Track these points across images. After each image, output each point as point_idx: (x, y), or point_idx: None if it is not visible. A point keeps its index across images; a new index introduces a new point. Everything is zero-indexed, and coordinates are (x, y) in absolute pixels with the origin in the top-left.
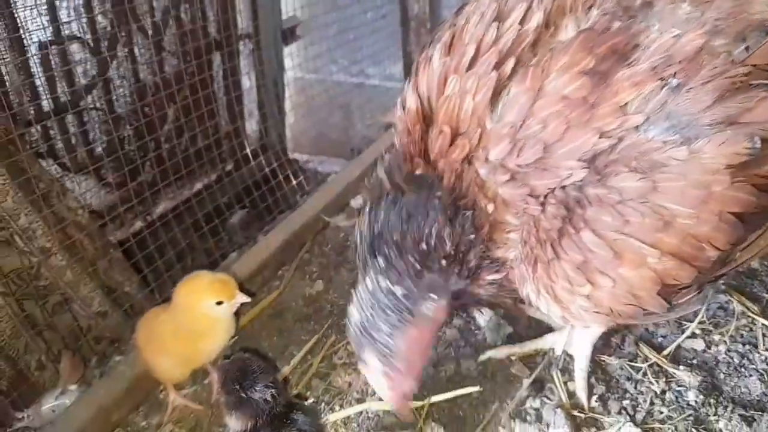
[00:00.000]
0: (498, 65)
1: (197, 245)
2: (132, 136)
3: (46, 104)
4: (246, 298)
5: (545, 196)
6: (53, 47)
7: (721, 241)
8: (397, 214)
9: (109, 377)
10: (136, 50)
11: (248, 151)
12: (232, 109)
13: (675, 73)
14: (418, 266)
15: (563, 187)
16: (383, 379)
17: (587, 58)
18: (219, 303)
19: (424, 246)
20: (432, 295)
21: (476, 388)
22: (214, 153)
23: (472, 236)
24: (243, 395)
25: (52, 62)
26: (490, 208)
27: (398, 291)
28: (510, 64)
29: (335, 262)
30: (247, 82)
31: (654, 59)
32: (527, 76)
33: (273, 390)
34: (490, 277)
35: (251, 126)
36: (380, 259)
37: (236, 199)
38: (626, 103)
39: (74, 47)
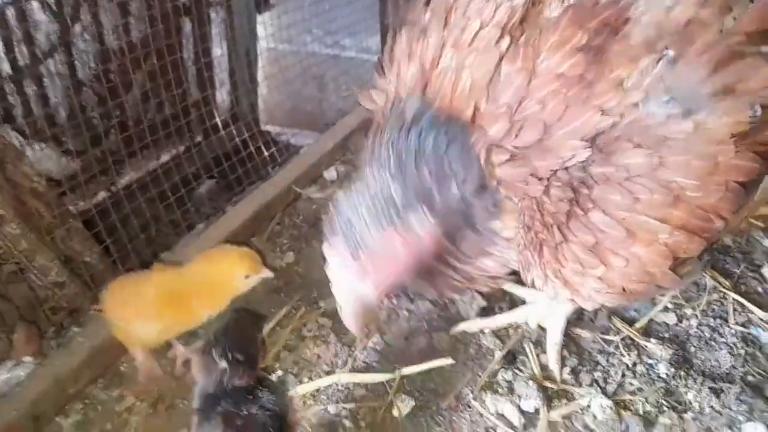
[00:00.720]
0: (498, 41)
1: (162, 216)
2: (95, 103)
3: (4, 67)
4: (270, 274)
5: (548, 179)
6: (11, 7)
7: (727, 210)
8: (435, 138)
9: (66, 348)
10: (101, 13)
11: (218, 121)
12: (201, 78)
13: (667, 45)
14: (429, 179)
15: (566, 169)
16: (342, 271)
17: (579, 33)
18: (247, 276)
19: (449, 170)
20: (426, 208)
21: (449, 361)
22: (182, 122)
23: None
24: (214, 359)
25: (11, 23)
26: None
27: (396, 190)
28: (506, 41)
29: (307, 234)
30: (218, 50)
31: (647, 32)
32: (518, 56)
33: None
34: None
35: (222, 96)
36: (393, 157)
37: (205, 169)
38: (624, 79)
39: (34, 7)
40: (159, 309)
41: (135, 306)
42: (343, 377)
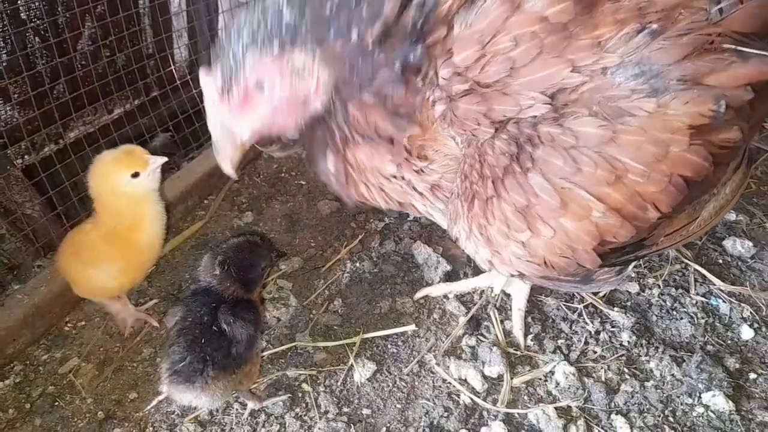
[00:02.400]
0: None
1: None
2: (41, 50)
3: None
4: (163, 159)
5: (497, 127)
6: None
7: (665, 203)
8: None
9: (4, 306)
10: None
11: (176, 77)
12: (158, 33)
13: (653, 20)
14: (333, 20)
15: (518, 122)
16: (215, 104)
17: None
18: (135, 175)
19: (348, 13)
20: (318, 49)
21: (411, 327)
22: (138, 77)
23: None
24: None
25: None
26: (438, 110)
27: (287, 15)
28: None
29: (267, 193)
30: (176, 2)
31: (641, 1)
32: None
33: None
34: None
35: (180, 52)
36: None
37: (160, 124)
38: (604, 40)
39: None
40: (103, 252)
41: (83, 255)
42: (303, 343)
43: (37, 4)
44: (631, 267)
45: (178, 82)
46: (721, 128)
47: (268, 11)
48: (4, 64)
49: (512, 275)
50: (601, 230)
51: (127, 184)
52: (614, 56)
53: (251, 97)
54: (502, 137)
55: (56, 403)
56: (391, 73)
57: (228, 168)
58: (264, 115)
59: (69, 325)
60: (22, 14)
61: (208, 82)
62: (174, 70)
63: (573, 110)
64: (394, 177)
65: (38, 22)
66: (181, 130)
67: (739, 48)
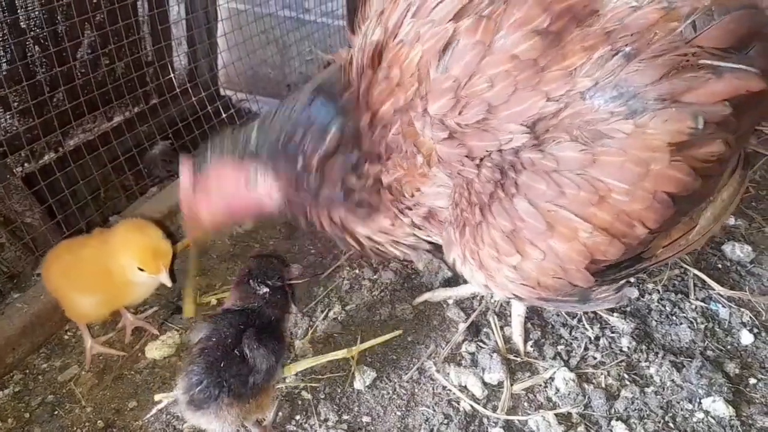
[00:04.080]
0: (457, 17)
1: (112, 178)
2: (41, 59)
3: None
4: (168, 283)
5: (482, 159)
6: None
7: (652, 220)
8: (302, 110)
9: (5, 315)
10: None
11: (176, 85)
12: (158, 41)
13: (626, 42)
14: (283, 152)
15: (501, 151)
16: (187, 183)
17: (542, 15)
18: (141, 269)
19: (299, 138)
20: (271, 172)
21: (398, 332)
22: (137, 85)
23: (351, 178)
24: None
25: None
26: (419, 160)
27: (255, 136)
28: (470, 18)
29: None
30: (176, 8)
31: (609, 26)
32: (478, 29)
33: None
34: (343, 214)
35: (179, 60)
36: (279, 109)
37: (160, 131)
38: (576, 68)
39: None
40: (93, 282)
41: (72, 279)
42: (299, 365)
43: (36, 13)
44: (629, 287)
45: (178, 90)
46: (703, 143)
47: (240, 134)
48: (4, 73)
49: (509, 298)
50: (591, 249)
51: (129, 267)
52: (588, 80)
53: (210, 189)
54: (487, 165)
55: (56, 412)
56: (336, 184)
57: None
58: (218, 207)
59: (68, 333)
60: (22, 23)
61: (185, 169)
62: (173, 78)
63: (554, 136)
64: (393, 226)
65: (38, 31)
66: (180, 138)
67: (715, 63)
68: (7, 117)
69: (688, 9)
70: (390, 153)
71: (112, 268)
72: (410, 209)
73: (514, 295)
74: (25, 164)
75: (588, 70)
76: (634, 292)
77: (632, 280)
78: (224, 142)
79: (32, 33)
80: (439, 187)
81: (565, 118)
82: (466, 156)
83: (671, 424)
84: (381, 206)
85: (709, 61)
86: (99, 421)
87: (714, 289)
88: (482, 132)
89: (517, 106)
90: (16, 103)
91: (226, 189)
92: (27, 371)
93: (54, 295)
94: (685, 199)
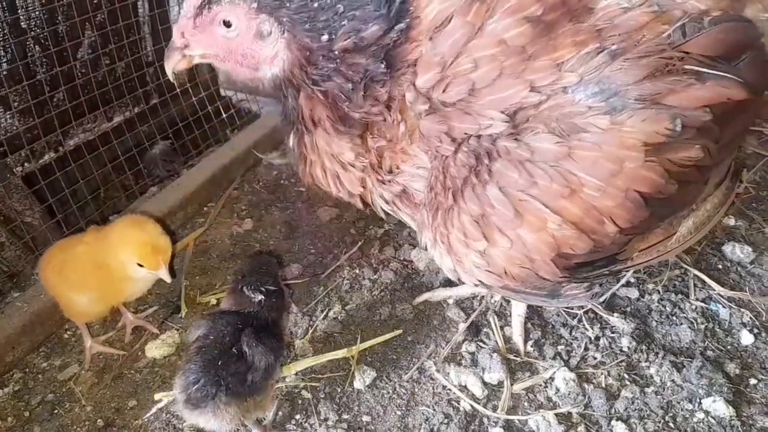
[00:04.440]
0: None
1: (112, 178)
2: (42, 59)
3: None
4: (168, 278)
5: (460, 142)
6: None
7: (623, 219)
8: None
9: (4, 314)
10: None
11: (176, 85)
12: (158, 41)
13: (618, 42)
14: (319, 7)
15: (479, 137)
16: (191, 10)
17: (536, 4)
18: (140, 265)
19: (339, 11)
20: (288, 31)
21: (398, 332)
22: (138, 85)
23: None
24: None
25: None
26: (401, 130)
27: None
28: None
29: (266, 200)
30: (176, 12)
31: (599, 23)
32: (470, 10)
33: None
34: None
35: None
36: None
37: (160, 131)
38: (563, 61)
39: None
40: (91, 278)
41: (70, 277)
42: (299, 365)
43: (37, 13)
44: (598, 287)
45: (178, 90)
46: (681, 147)
47: None
48: (4, 72)
49: (476, 285)
50: (559, 242)
51: (128, 262)
52: (574, 75)
53: (214, 27)
54: (464, 150)
55: (55, 411)
56: (347, 83)
57: (168, 70)
58: (217, 48)
59: (68, 332)
60: (22, 23)
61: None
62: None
63: (532, 126)
64: (352, 165)
65: (38, 31)
66: (180, 138)
67: (700, 69)
68: (8, 116)
69: (679, 14)
70: (391, 103)
71: (111, 264)
72: (384, 183)
73: (480, 282)
74: (26, 164)
75: (573, 65)
76: (634, 292)
77: (632, 279)
78: None
79: (33, 33)
80: (419, 168)
81: (545, 109)
82: (446, 134)
83: (671, 424)
84: (359, 135)
85: (693, 67)
86: (99, 420)
87: (714, 290)
88: (464, 114)
89: (501, 92)
90: (16, 103)
91: (231, 30)
92: (27, 370)
93: (52, 294)
94: (661, 202)
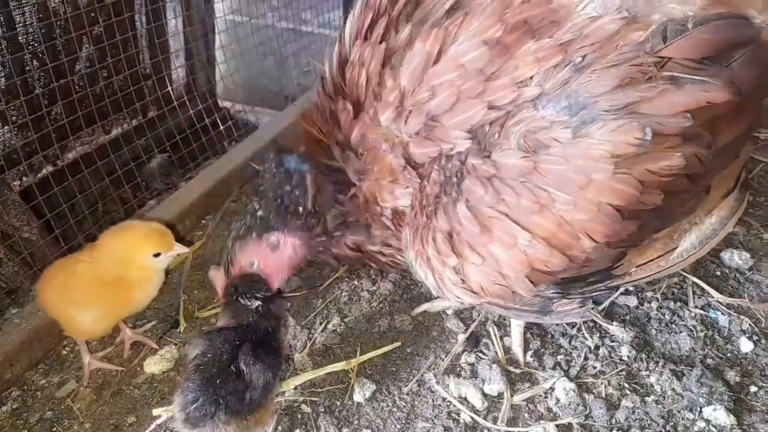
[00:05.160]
0: (384, 35)
1: (110, 192)
2: (39, 73)
3: None
4: (184, 249)
5: (429, 164)
6: None
7: (599, 233)
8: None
9: (2, 331)
10: None
11: (174, 98)
12: (156, 54)
13: (585, 54)
14: (284, 209)
15: (449, 156)
16: (221, 282)
17: (496, 26)
18: (157, 255)
19: (287, 200)
20: (283, 227)
21: (397, 344)
22: (135, 99)
23: (340, 205)
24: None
25: None
26: (376, 170)
27: (259, 212)
28: (405, 31)
29: None
30: (174, 20)
31: (565, 37)
32: (429, 37)
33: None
34: (352, 238)
35: (177, 73)
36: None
37: (157, 144)
38: (525, 79)
39: None
40: (92, 298)
41: (70, 296)
42: (299, 379)
43: (35, 27)
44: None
45: (176, 102)
46: (659, 156)
47: (248, 214)
48: (2, 87)
49: (459, 303)
50: (531, 258)
51: (147, 260)
52: (537, 90)
53: (250, 269)
54: (436, 168)
55: (54, 429)
56: (334, 219)
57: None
58: (268, 277)
59: (66, 349)
60: (20, 38)
61: (216, 276)
62: (171, 91)
63: (498, 142)
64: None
65: (36, 45)
66: (178, 151)
67: (675, 74)
68: (5, 131)
69: (658, 18)
70: (366, 171)
71: (132, 278)
72: (383, 216)
73: (459, 299)
74: (23, 178)
75: (538, 80)
76: (633, 300)
77: (630, 288)
78: (235, 230)
79: (30, 47)
80: (406, 188)
81: (511, 126)
82: (409, 164)
83: None
84: (369, 221)
85: (670, 72)
86: None
87: (713, 297)
88: (423, 140)
89: (461, 114)
90: (14, 118)
91: (260, 265)
92: (25, 387)
93: (52, 314)
94: (650, 214)
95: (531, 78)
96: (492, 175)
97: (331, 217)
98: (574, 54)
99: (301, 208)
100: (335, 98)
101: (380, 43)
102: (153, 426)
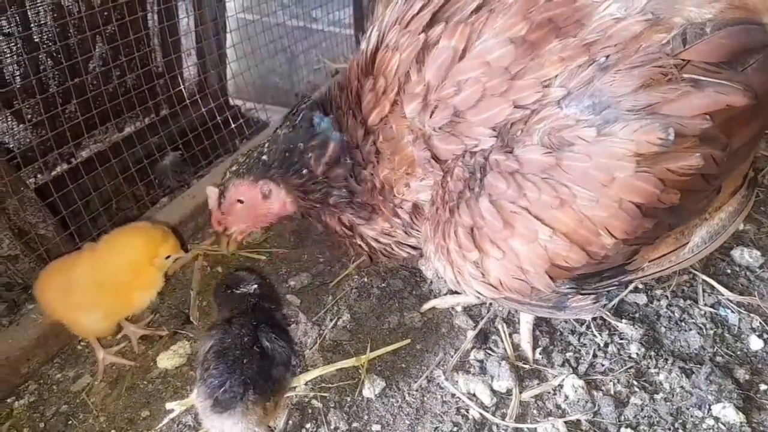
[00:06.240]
0: (427, 27)
1: (123, 189)
2: (54, 72)
3: None
4: (187, 255)
5: (453, 160)
6: None
7: (619, 229)
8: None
9: (19, 326)
10: None
11: (186, 96)
12: (168, 53)
13: (609, 54)
14: (289, 164)
15: (473, 152)
16: (214, 204)
17: (520, 23)
18: (167, 257)
19: (300, 151)
20: (281, 181)
21: (407, 341)
22: (148, 97)
23: (352, 183)
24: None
25: None
26: (396, 160)
27: (264, 156)
28: (439, 28)
29: None
30: (185, 23)
31: (589, 37)
32: (455, 33)
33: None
34: (349, 217)
35: (189, 71)
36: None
37: (170, 142)
38: (551, 78)
39: None
40: (95, 297)
41: (74, 296)
42: (309, 375)
43: (49, 27)
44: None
45: (188, 101)
46: (679, 156)
47: (254, 152)
48: (18, 86)
49: (477, 297)
50: (551, 254)
51: (164, 264)
52: (562, 90)
53: (235, 207)
54: (459, 165)
55: (69, 422)
56: (341, 189)
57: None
58: (245, 220)
59: (82, 343)
60: (35, 38)
61: (211, 197)
62: (183, 89)
63: (521, 139)
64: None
65: (51, 44)
66: (190, 149)
67: (696, 77)
68: (21, 130)
69: (679, 21)
70: (379, 158)
71: (149, 281)
72: (400, 208)
73: (478, 293)
74: (38, 175)
75: (563, 80)
76: (642, 298)
77: (640, 285)
78: (235, 165)
79: (45, 47)
80: (422, 181)
81: (534, 123)
82: (433, 158)
83: (681, 431)
84: (377, 208)
85: (690, 75)
86: (112, 431)
87: (723, 295)
88: (448, 136)
89: (485, 112)
90: (29, 116)
91: (247, 206)
92: (41, 381)
93: (55, 317)
94: (667, 212)
95: (555, 77)
96: (515, 170)
97: (337, 193)
98: (597, 54)
99: (305, 170)
100: (365, 77)
101: (420, 33)
102: (166, 420)
